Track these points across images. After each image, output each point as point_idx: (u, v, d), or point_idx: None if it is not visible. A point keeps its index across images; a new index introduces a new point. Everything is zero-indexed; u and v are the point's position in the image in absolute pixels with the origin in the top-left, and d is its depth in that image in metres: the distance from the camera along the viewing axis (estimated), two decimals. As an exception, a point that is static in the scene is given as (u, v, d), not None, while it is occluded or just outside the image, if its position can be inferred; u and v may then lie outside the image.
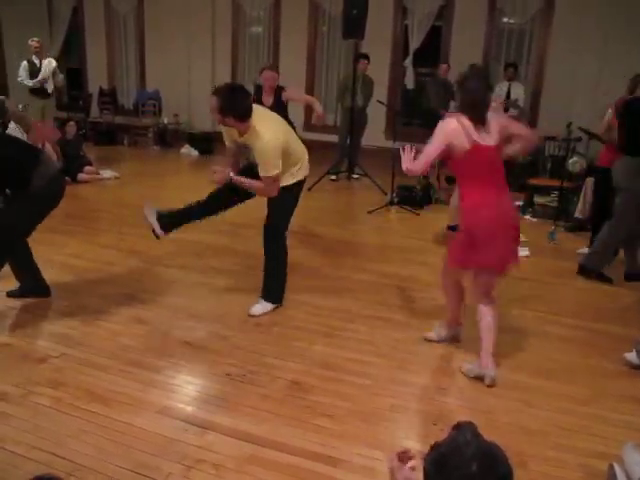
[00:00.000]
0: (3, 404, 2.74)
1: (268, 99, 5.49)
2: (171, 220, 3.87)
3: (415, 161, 2.98)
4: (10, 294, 3.86)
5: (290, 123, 5.35)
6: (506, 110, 7.79)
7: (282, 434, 2.58)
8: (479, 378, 3.08)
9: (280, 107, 5.30)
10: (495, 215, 2.97)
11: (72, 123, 7.93)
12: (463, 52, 8.70)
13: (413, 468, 1.51)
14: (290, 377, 3.05)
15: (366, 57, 7.96)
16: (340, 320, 3.74)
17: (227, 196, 3.84)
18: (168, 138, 10.53)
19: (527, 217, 6.48)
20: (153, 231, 3.83)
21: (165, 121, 10.66)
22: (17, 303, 3.88)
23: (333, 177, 7.93)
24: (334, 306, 3.95)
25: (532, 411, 2.84)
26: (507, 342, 3.51)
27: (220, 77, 9.99)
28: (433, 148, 2.97)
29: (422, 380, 3.11)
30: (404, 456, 1.54)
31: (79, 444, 2.48)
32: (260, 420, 2.69)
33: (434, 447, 1.22)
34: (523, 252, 5.24)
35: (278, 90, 5.51)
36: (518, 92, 8.11)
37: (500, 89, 8.05)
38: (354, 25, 7.36)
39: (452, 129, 2.93)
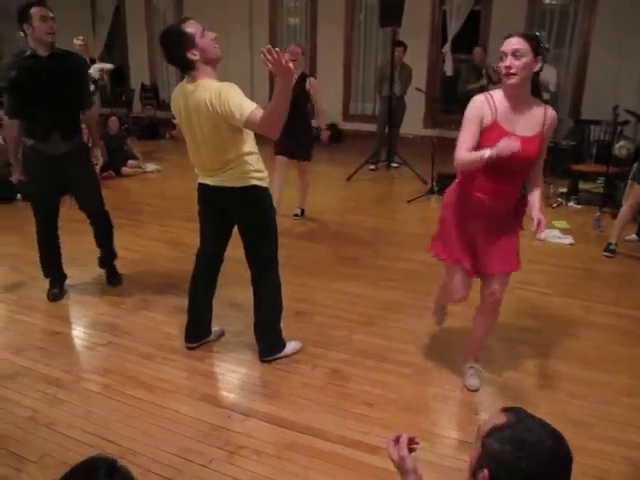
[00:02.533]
0: (56, 389, 2.86)
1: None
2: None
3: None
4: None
5: (307, 114, 5.36)
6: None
7: (322, 422, 2.62)
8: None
9: (302, 94, 5.12)
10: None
11: (114, 118, 8.09)
12: (503, 37, 8.52)
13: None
14: (331, 365, 3.08)
15: (403, 45, 7.88)
16: (381, 309, 3.74)
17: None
18: (208, 131, 10.64)
19: (571, 204, 6.33)
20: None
21: (206, 114, 10.76)
22: (66, 294, 4.01)
23: (372, 166, 7.90)
24: (374, 295, 3.95)
25: (576, 402, 2.80)
26: (551, 331, 3.46)
27: (258, 68, 10.06)
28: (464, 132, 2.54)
29: (463, 370, 3.08)
30: (409, 442, 1.54)
31: (127, 429, 2.57)
32: (301, 408, 2.73)
33: (498, 428, 1.22)
34: (567, 240, 5.15)
35: (303, 76, 5.19)
36: (549, 76, 7.91)
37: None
38: (391, 13, 7.29)
39: (480, 101, 2.54)
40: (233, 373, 3.08)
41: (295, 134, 4.90)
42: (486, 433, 1.23)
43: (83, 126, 3.91)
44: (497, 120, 2.50)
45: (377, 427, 2.58)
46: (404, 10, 7.38)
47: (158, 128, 10.90)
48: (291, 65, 2.43)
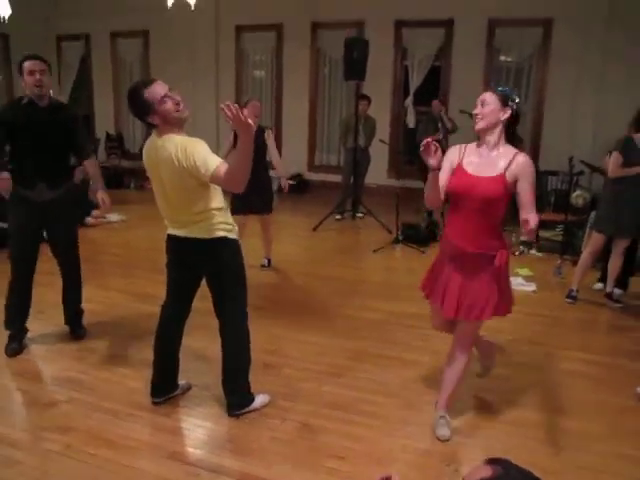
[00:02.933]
0: (12, 450, 2.74)
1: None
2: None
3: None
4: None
5: (266, 166, 5.44)
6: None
7: (293, 477, 2.57)
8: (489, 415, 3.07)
9: (262, 147, 5.18)
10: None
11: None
12: (462, 90, 8.87)
13: None
14: (300, 418, 3.03)
15: (367, 98, 8.12)
16: (349, 360, 3.73)
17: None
18: (174, 181, 10.64)
19: (533, 252, 6.48)
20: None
21: (171, 164, 10.78)
22: (27, 348, 3.88)
23: (338, 216, 7.99)
24: (343, 346, 3.94)
25: (547, 449, 2.81)
26: (518, 379, 3.49)
27: (224, 120, 10.17)
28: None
29: (433, 419, 3.07)
30: None
31: (89, 491, 2.47)
32: (270, 463, 2.67)
33: None
34: (530, 287, 5.25)
35: (261, 128, 5.18)
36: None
37: None
38: (355, 67, 7.52)
39: (454, 148, 2.83)
40: (200, 428, 3.00)
41: (256, 188, 4.82)
42: None
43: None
44: (461, 163, 2.75)
45: (348, 482, 2.54)
46: (367, 65, 7.63)
47: (123, 178, 10.88)
48: (250, 121, 2.47)
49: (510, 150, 2.70)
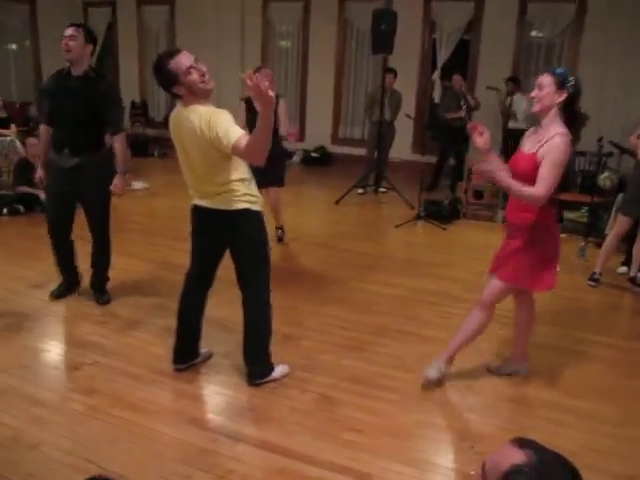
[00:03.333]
0: (41, 409, 2.83)
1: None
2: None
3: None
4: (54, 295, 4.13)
5: (279, 136, 5.18)
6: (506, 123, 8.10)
7: (312, 447, 2.60)
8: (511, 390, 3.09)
9: (274, 116, 5.13)
10: None
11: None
12: (492, 65, 8.73)
13: None
14: (319, 390, 3.07)
15: (394, 71, 8.01)
16: (369, 334, 3.76)
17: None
18: (197, 150, 10.68)
19: (556, 233, 6.41)
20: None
21: (194, 133, 10.81)
22: (52, 311, 3.98)
23: (360, 190, 7.97)
24: (363, 320, 3.96)
25: (563, 431, 2.81)
26: (539, 360, 3.48)
27: (248, 90, 10.12)
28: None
29: (451, 396, 3.10)
30: None
31: (113, 451, 2.54)
32: (290, 432, 2.71)
33: (520, 469, 1.10)
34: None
35: (275, 97, 5.19)
36: (519, 106, 8.11)
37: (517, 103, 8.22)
38: (383, 40, 7.41)
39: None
40: (221, 396, 3.06)
41: (269, 158, 4.88)
42: (506, 474, 1.10)
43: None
44: (524, 142, 2.96)
45: (366, 453, 2.58)
46: (395, 38, 7.51)
47: (147, 146, 10.92)
48: (271, 93, 2.46)
49: (556, 130, 2.74)
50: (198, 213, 3.00)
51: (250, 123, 4.61)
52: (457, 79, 8.19)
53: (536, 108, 2.79)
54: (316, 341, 3.64)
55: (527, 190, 2.74)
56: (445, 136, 8.07)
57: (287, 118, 5.39)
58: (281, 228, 5.67)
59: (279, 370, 3.16)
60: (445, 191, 7.16)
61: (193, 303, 3.20)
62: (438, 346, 3.59)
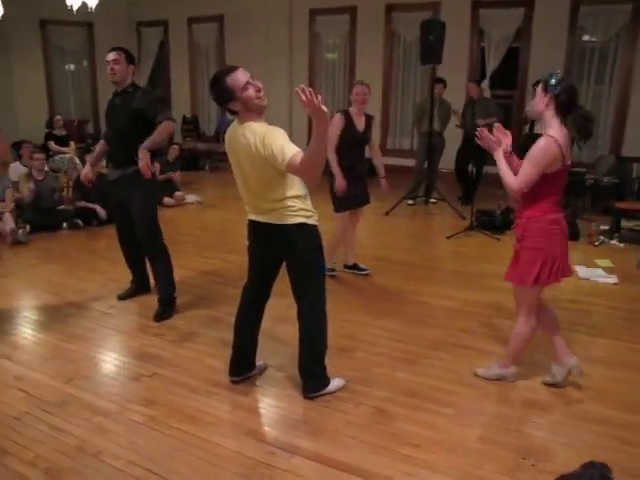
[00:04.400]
0: (102, 418, 2.91)
1: (360, 121, 4.78)
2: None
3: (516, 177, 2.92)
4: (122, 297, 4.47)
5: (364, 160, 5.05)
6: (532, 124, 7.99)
7: (368, 461, 2.59)
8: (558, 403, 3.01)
9: (369, 137, 4.90)
10: None
11: (176, 147, 8.42)
12: (542, 73, 8.53)
13: None
14: (374, 404, 3.05)
15: (443, 81, 7.95)
16: (423, 347, 3.71)
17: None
18: (247, 163, 10.85)
19: (614, 242, 6.22)
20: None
21: (244, 147, 10.99)
22: (111, 323, 4.09)
23: (410, 202, 7.91)
24: (417, 333, 3.92)
25: (627, 448, 2.71)
26: (598, 374, 3.37)
27: (296, 103, 10.22)
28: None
29: (509, 411, 3.02)
30: None
31: (172, 462, 2.58)
32: (345, 446, 2.70)
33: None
34: (610, 279, 5.05)
35: (368, 118, 4.86)
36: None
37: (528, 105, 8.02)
38: (431, 51, 7.36)
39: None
40: (276, 408, 3.07)
41: (360, 177, 4.84)
42: None
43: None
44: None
45: (424, 469, 2.54)
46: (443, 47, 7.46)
47: (198, 160, 11.15)
48: (324, 108, 2.46)
49: (547, 133, 2.85)
50: (254, 228, 3.04)
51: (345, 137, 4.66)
52: (472, 87, 8.06)
53: (533, 115, 2.94)
54: (371, 354, 3.62)
55: (508, 177, 2.93)
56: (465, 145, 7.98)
57: (376, 145, 5.21)
58: (355, 264, 5.20)
59: (334, 383, 3.16)
60: (497, 201, 7.02)
61: (250, 317, 3.23)
62: (493, 359, 3.52)
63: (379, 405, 3.04)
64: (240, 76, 2.79)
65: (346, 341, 3.75)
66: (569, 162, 2.92)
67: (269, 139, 2.70)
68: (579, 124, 2.88)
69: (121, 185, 4.10)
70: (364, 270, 5.11)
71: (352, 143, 4.70)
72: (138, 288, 4.53)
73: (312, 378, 3.11)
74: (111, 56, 3.96)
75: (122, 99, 4.03)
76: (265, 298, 3.21)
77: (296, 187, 2.87)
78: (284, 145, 2.68)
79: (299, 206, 2.88)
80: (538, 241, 2.99)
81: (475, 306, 4.40)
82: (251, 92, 2.79)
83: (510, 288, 4.76)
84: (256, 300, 3.21)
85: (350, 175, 4.62)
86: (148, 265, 4.36)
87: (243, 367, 3.28)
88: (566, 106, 2.86)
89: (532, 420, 2.93)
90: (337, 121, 4.67)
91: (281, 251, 3.00)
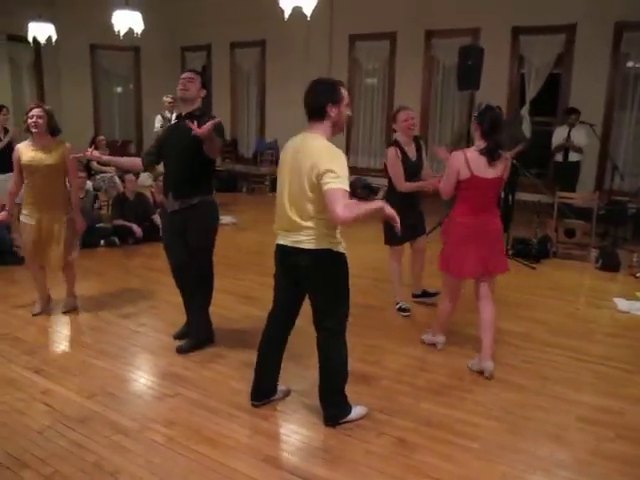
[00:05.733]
0: (122, 437, 2.92)
1: (411, 149, 4.55)
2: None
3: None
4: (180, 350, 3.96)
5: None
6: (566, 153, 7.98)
7: (386, 494, 2.52)
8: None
9: (422, 164, 4.63)
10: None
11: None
12: (584, 99, 8.39)
13: None
14: (396, 434, 2.98)
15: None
16: (449, 377, 3.62)
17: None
18: (284, 186, 10.94)
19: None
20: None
21: (282, 170, 11.10)
22: (138, 341, 4.13)
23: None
24: (443, 362, 3.84)
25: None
26: (632, 413, 3.23)
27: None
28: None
29: (537, 449, 2.90)
30: None
31: (188, 485, 2.56)
32: (363, 476, 2.64)
33: None
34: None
35: (416, 142, 4.63)
36: (580, 136, 7.91)
37: (558, 133, 8.03)
38: (469, 77, 7.32)
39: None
40: (296, 435, 3.03)
41: (415, 207, 4.65)
42: None
43: None
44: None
45: (443, 505, 2.46)
46: (482, 73, 7.41)
47: (236, 182, 11.31)
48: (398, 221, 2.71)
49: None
50: (282, 253, 2.99)
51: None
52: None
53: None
54: (395, 382, 3.55)
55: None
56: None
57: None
58: (424, 290, 5.01)
59: (356, 411, 3.10)
60: (533, 229, 6.87)
61: (274, 343, 3.21)
62: (523, 393, 3.43)
63: (401, 435, 2.96)
64: (347, 94, 2.92)
65: (371, 368, 3.70)
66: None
67: (328, 165, 2.65)
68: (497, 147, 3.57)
69: (178, 217, 3.80)
70: (433, 295, 4.87)
71: (406, 174, 4.49)
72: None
73: (332, 407, 3.06)
74: (187, 74, 3.83)
75: (183, 124, 3.62)
76: (290, 324, 3.17)
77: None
78: (343, 179, 2.65)
79: (327, 231, 2.82)
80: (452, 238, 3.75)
81: (506, 335, 4.29)
82: (349, 112, 2.92)
83: (542, 319, 4.66)
84: (281, 325, 3.18)
85: (405, 205, 4.21)
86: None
87: (265, 392, 3.25)
88: (490, 133, 3.57)
89: (559, 458, 2.81)
90: (393, 154, 4.46)
91: (305, 278, 2.95)
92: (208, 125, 3.35)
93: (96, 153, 4.15)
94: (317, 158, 2.70)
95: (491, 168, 3.56)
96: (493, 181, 3.59)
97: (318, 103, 2.85)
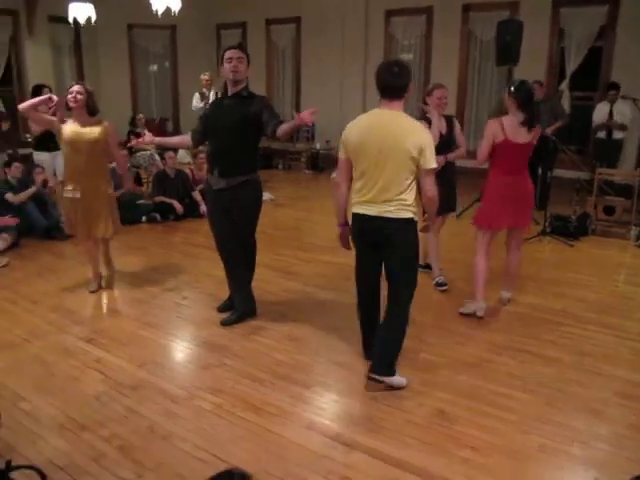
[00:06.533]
0: (172, 403, 3.07)
1: (441, 124, 4.68)
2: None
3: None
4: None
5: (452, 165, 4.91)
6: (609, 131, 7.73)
7: (426, 461, 2.61)
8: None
9: (453, 139, 4.80)
10: None
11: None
12: (627, 74, 8.19)
13: None
14: (436, 405, 3.06)
15: (539, 82, 7.76)
16: (487, 351, 3.68)
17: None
18: (320, 163, 11.00)
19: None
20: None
21: (317, 147, 11.15)
22: (184, 313, 4.29)
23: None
24: (481, 337, 3.90)
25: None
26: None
27: (370, 104, 10.24)
28: None
29: (574, 422, 2.95)
30: None
31: (235, 448, 2.70)
32: (404, 445, 2.73)
33: None
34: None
35: (449, 119, 4.82)
36: (623, 112, 7.67)
37: (600, 110, 7.80)
38: (508, 51, 7.21)
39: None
40: (337, 404, 3.14)
41: (447, 184, 4.65)
42: None
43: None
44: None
45: (481, 473, 2.54)
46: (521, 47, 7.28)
47: (272, 158, 11.40)
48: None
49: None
50: (362, 222, 3.20)
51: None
52: (535, 88, 7.71)
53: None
54: (435, 355, 3.63)
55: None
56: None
57: (462, 138, 4.98)
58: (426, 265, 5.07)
59: (398, 379, 3.22)
60: (572, 206, 6.80)
61: (367, 304, 3.45)
62: (559, 368, 3.46)
63: (440, 406, 3.05)
64: None
65: (410, 342, 3.74)
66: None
67: (428, 148, 3.04)
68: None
69: (223, 195, 3.87)
70: (442, 286, 4.89)
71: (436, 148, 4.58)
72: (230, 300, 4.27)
73: (382, 361, 3.20)
74: (235, 53, 3.75)
75: (236, 102, 3.79)
76: (377, 296, 3.41)
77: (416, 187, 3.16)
78: (432, 158, 3.06)
79: (412, 202, 3.13)
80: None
81: (544, 312, 4.31)
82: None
83: (581, 296, 4.66)
84: (370, 300, 3.42)
85: (438, 180, 4.36)
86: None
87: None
88: (525, 105, 3.97)
89: (596, 431, 2.86)
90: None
91: (385, 244, 3.16)
92: (307, 114, 3.43)
93: (148, 137, 4.18)
94: (419, 136, 3.04)
95: (522, 135, 3.98)
96: (524, 146, 4.02)
97: (403, 83, 3.10)
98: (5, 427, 2.78)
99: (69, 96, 4.31)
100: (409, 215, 3.11)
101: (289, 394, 3.18)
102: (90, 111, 4.43)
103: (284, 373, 3.38)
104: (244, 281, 4.13)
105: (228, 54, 3.77)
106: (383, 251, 3.19)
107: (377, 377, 3.17)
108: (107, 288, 4.77)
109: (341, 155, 3.26)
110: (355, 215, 3.22)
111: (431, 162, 3.05)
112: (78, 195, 4.45)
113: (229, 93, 3.85)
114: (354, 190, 3.22)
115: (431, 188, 3.13)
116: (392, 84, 3.10)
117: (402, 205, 3.08)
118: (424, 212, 3.60)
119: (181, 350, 3.78)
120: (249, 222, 4.02)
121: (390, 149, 3.03)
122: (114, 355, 3.61)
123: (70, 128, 4.39)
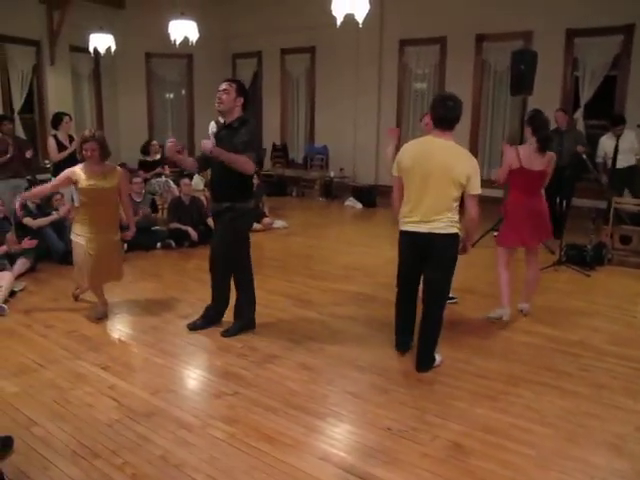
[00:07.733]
0: (186, 432, 3.05)
1: None
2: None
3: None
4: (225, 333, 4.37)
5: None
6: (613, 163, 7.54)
7: (442, 496, 2.56)
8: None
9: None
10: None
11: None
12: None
13: None
14: (451, 437, 3.02)
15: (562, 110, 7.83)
16: (503, 383, 3.63)
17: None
18: (333, 190, 11.06)
19: None
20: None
21: (331, 174, 11.23)
22: (197, 340, 4.28)
23: (496, 233, 7.73)
24: (497, 368, 3.84)
25: None
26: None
27: (384, 133, 10.33)
28: None
29: (594, 458, 2.88)
30: None
31: (249, 479, 2.67)
32: (420, 479, 2.69)
33: None
34: None
35: None
36: (631, 140, 7.65)
37: (604, 143, 7.74)
38: (522, 81, 7.24)
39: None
40: (352, 435, 3.10)
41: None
42: None
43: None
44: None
45: (499, 509, 2.49)
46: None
47: (286, 186, 11.47)
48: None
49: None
50: (412, 238, 3.63)
51: None
52: (559, 116, 7.72)
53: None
54: (450, 387, 3.58)
55: None
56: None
57: None
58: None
59: (438, 359, 3.79)
60: (588, 236, 6.75)
61: (405, 298, 3.89)
62: (578, 401, 3.41)
63: (455, 439, 3.00)
64: None
65: (426, 372, 3.73)
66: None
67: (474, 175, 3.49)
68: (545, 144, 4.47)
69: (217, 219, 4.30)
70: (452, 299, 4.95)
71: None
72: (213, 318, 4.52)
73: (426, 358, 3.74)
74: (223, 86, 3.98)
75: (227, 133, 4.05)
76: (415, 295, 3.87)
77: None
78: (478, 185, 3.52)
79: (456, 220, 3.56)
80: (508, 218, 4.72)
81: (561, 343, 4.26)
82: None
83: (598, 327, 4.60)
84: (407, 289, 3.85)
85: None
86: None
87: (407, 342, 3.95)
88: (538, 132, 4.49)
89: (617, 468, 2.80)
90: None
91: (431, 257, 3.58)
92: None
93: (172, 150, 4.17)
94: (468, 165, 3.47)
95: (537, 162, 4.44)
96: (538, 173, 4.48)
97: (457, 115, 3.55)
98: (17, 453, 2.79)
99: (85, 153, 4.45)
100: (455, 231, 3.56)
101: (303, 424, 3.15)
102: (103, 158, 4.56)
103: (298, 403, 3.35)
104: (246, 295, 4.42)
105: (219, 86, 4.03)
106: (428, 261, 3.61)
107: (427, 367, 3.73)
108: (100, 320, 4.71)
109: (394, 173, 3.72)
110: (406, 232, 3.65)
111: (477, 188, 3.49)
112: (84, 242, 4.52)
113: (224, 121, 4.16)
114: (403, 213, 3.65)
115: (474, 210, 3.55)
116: (446, 117, 3.51)
117: (451, 222, 3.52)
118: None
119: (195, 378, 3.77)
120: (229, 246, 4.25)
121: (440, 175, 3.44)
122: (128, 382, 3.60)
123: (87, 179, 4.47)
